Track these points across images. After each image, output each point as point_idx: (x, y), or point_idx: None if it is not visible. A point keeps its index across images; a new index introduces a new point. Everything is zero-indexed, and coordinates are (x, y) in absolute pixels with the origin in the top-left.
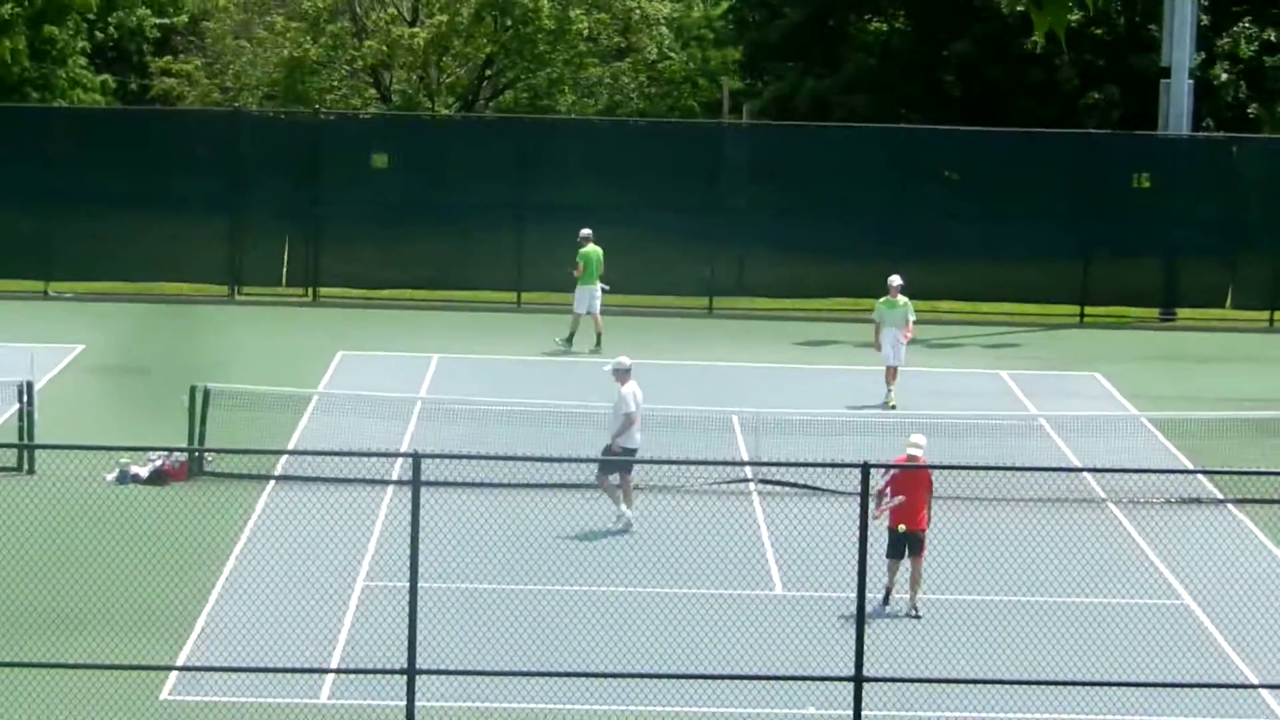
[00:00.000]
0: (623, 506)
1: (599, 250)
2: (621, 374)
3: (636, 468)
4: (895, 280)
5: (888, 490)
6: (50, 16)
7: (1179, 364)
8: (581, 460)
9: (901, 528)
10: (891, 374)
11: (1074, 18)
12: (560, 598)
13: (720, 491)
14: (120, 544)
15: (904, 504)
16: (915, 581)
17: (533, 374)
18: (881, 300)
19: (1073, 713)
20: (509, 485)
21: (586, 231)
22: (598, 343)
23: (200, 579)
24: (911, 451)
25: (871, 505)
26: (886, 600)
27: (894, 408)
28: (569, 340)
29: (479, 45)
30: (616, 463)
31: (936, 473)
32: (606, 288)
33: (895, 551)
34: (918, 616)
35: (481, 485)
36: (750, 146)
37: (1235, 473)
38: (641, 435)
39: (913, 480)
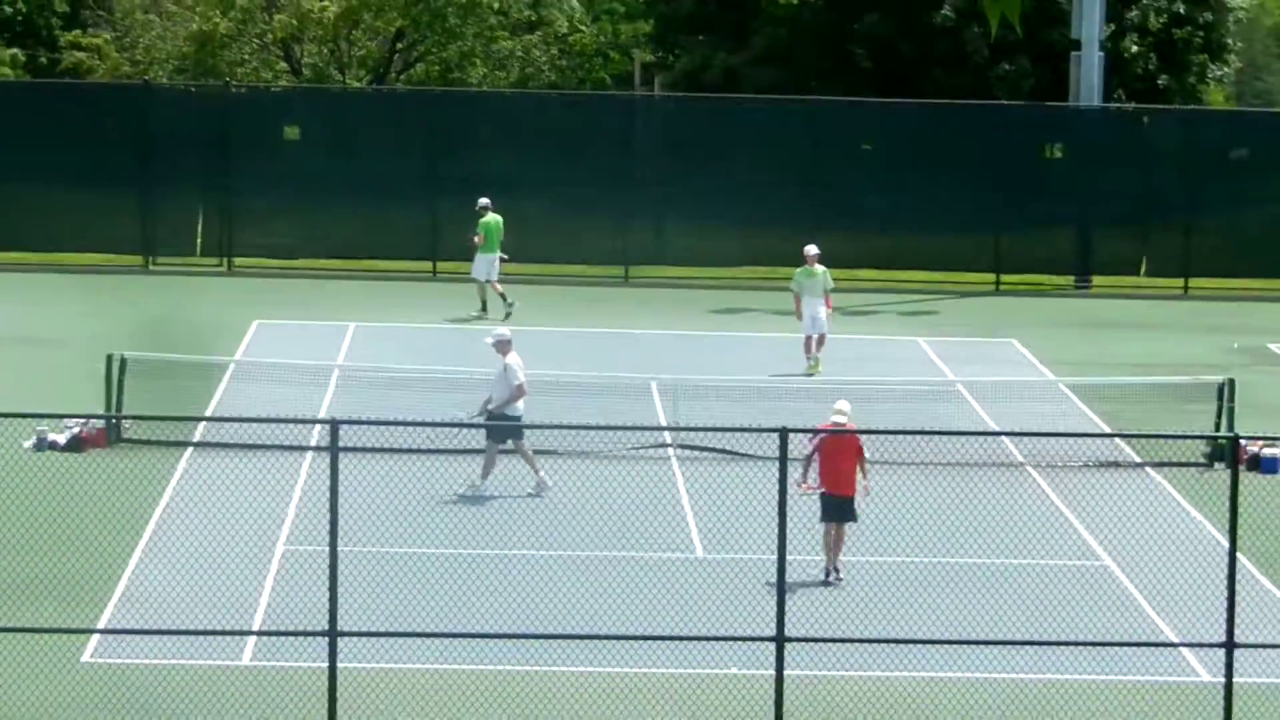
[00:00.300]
0: (539, 473)
1: (499, 219)
2: (503, 345)
3: (557, 434)
4: (811, 249)
5: (815, 455)
6: None
7: (1095, 330)
8: (495, 425)
9: (824, 491)
10: (809, 343)
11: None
12: (481, 561)
13: (640, 457)
14: (39, 510)
15: (832, 469)
16: (838, 543)
17: (448, 341)
18: (800, 270)
19: (995, 671)
20: (426, 451)
21: (485, 201)
22: (508, 308)
23: (120, 544)
24: (836, 419)
25: (797, 472)
26: (827, 577)
27: (817, 373)
28: (484, 309)
29: (389, 19)
30: (505, 430)
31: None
32: (505, 257)
33: (827, 514)
34: (838, 579)
35: (398, 451)
36: (664, 118)
37: (1151, 436)
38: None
39: (840, 446)
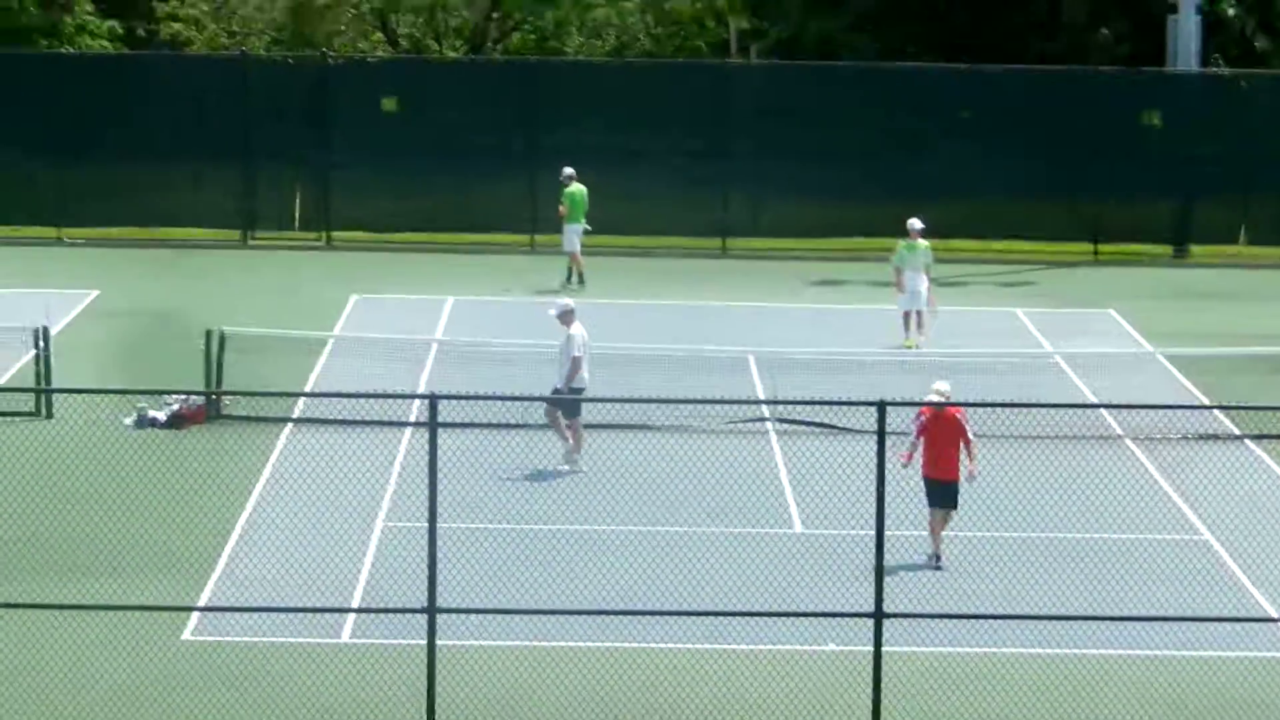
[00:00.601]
0: (572, 450)
1: (583, 189)
2: (566, 316)
3: (654, 408)
4: (915, 223)
5: (919, 440)
6: None
7: (1193, 301)
8: (598, 400)
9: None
10: (908, 318)
11: None
12: (579, 537)
13: (738, 431)
14: (139, 487)
15: (933, 452)
16: (940, 528)
17: (547, 315)
18: (902, 243)
19: (1093, 648)
20: (526, 426)
21: (569, 171)
22: (580, 280)
23: (220, 521)
24: (932, 398)
25: (902, 449)
26: (937, 563)
27: (915, 348)
28: (580, 280)
29: None
30: (570, 402)
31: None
32: (589, 228)
33: (933, 499)
34: (937, 564)
35: (498, 426)
36: (760, 86)
37: (1252, 408)
38: (589, 374)
39: (941, 429)
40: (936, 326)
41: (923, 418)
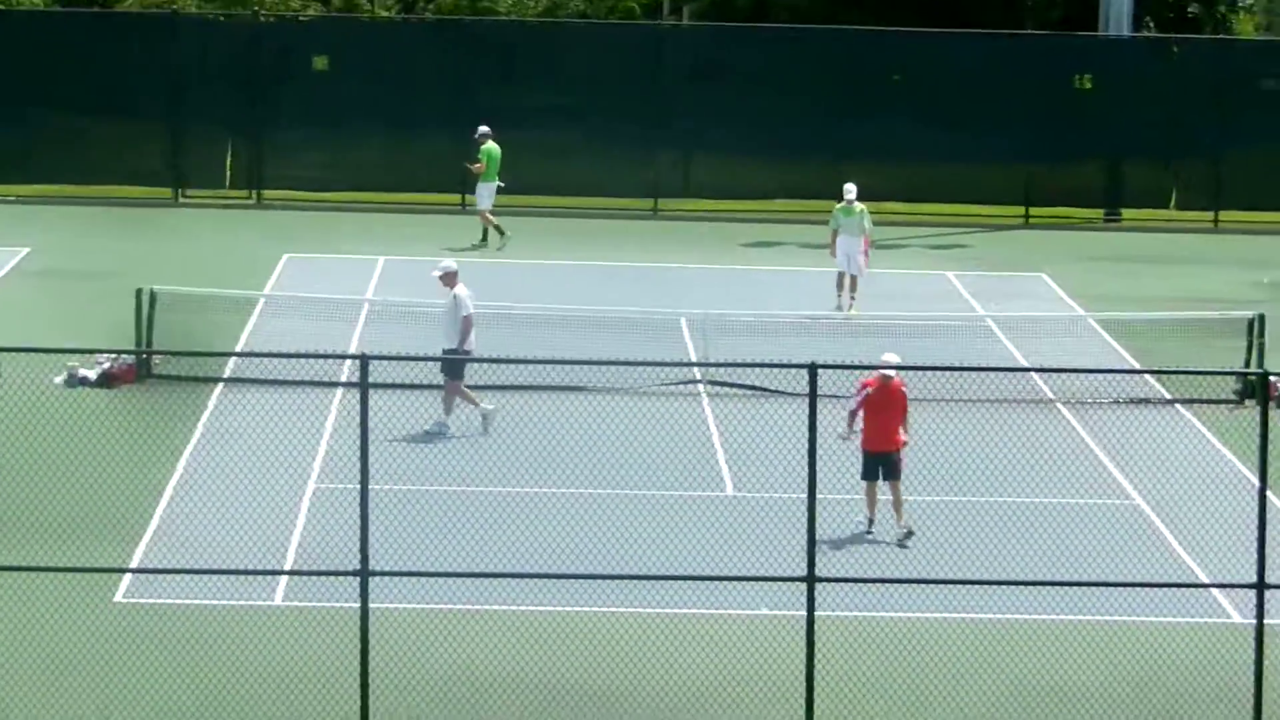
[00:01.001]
0: (478, 405)
1: (497, 147)
2: (449, 277)
3: (586, 370)
4: (850, 188)
5: (859, 410)
6: None
7: (1125, 265)
8: (528, 362)
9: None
10: (843, 281)
11: None
12: (511, 499)
13: (670, 393)
14: (70, 447)
15: (877, 424)
16: (898, 504)
17: (476, 275)
18: (838, 207)
19: (1024, 613)
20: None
21: (485, 129)
22: (496, 237)
23: (151, 481)
24: (886, 373)
25: (842, 425)
26: (870, 528)
27: (850, 316)
28: (497, 237)
29: None
30: (456, 364)
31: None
32: (502, 185)
33: (869, 473)
34: (909, 538)
35: (429, 387)
36: (693, 47)
37: (1182, 372)
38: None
39: (886, 401)
40: (869, 290)
41: (867, 390)
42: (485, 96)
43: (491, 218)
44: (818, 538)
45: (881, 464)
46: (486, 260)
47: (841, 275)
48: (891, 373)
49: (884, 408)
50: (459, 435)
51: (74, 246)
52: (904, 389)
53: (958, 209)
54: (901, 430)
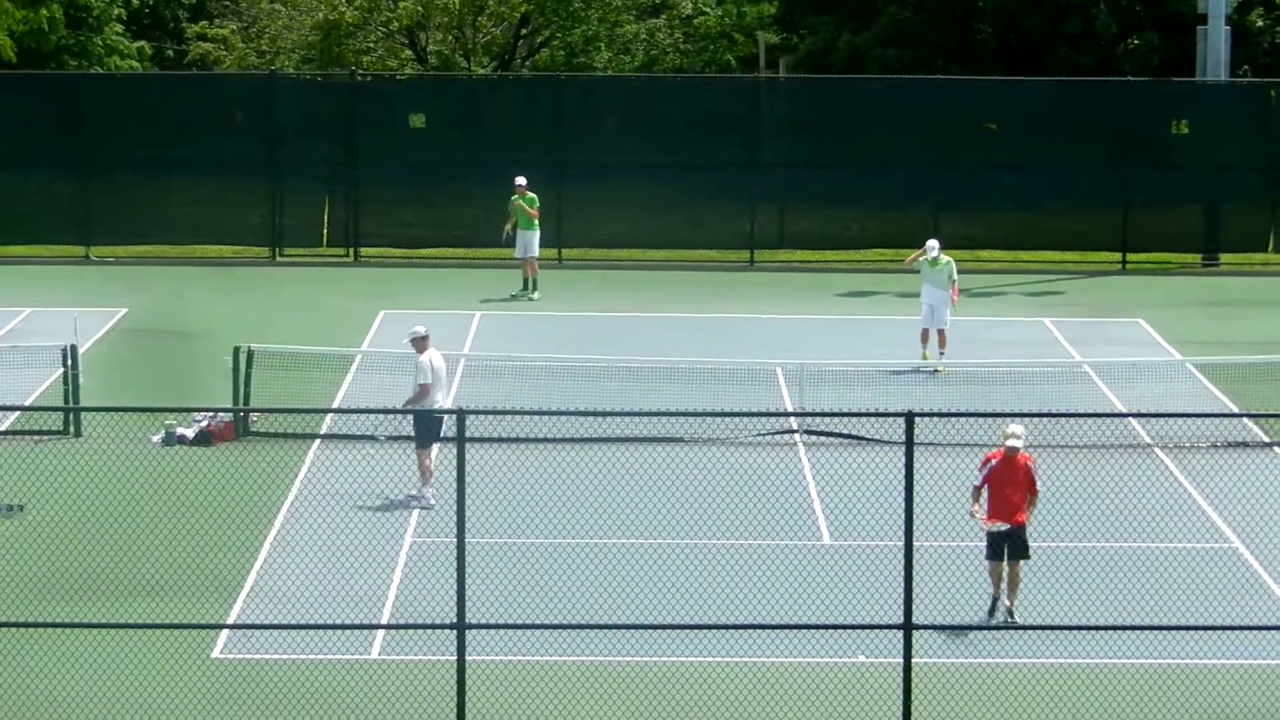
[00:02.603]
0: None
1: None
2: (419, 341)
3: (683, 421)
4: (933, 244)
5: (984, 486)
6: None
7: (1222, 309)
8: (626, 414)
9: (1000, 525)
10: (925, 335)
11: None
12: (608, 551)
13: (766, 443)
14: (168, 505)
15: (1001, 499)
16: (1014, 584)
17: (575, 329)
18: (924, 259)
19: (1122, 657)
20: (554, 440)
21: (522, 180)
22: (534, 287)
23: (248, 538)
24: (1011, 444)
25: (968, 501)
26: (993, 610)
27: (936, 371)
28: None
29: (514, 4)
30: (422, 430)
31: (984, 422)
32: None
33: (994, 552)
34: (1012, 619)
35: (527, 440)
36: (788, 100)
37: None
38: (443, 399)
39: (1010, 475)
40: (967, 337)
41: (991, 463)
42: (581, 152)
43: (533, 269)
44: (914, 585)
45: (1006, 541)
46: (588, 313)
47: (925, 330)
48: (1018, 444)
49: (1008, 482)
50: (567, 488)
51: (172, 306)
52: (1031, 464)
53: (1054, 255)
54: (1027, 508)
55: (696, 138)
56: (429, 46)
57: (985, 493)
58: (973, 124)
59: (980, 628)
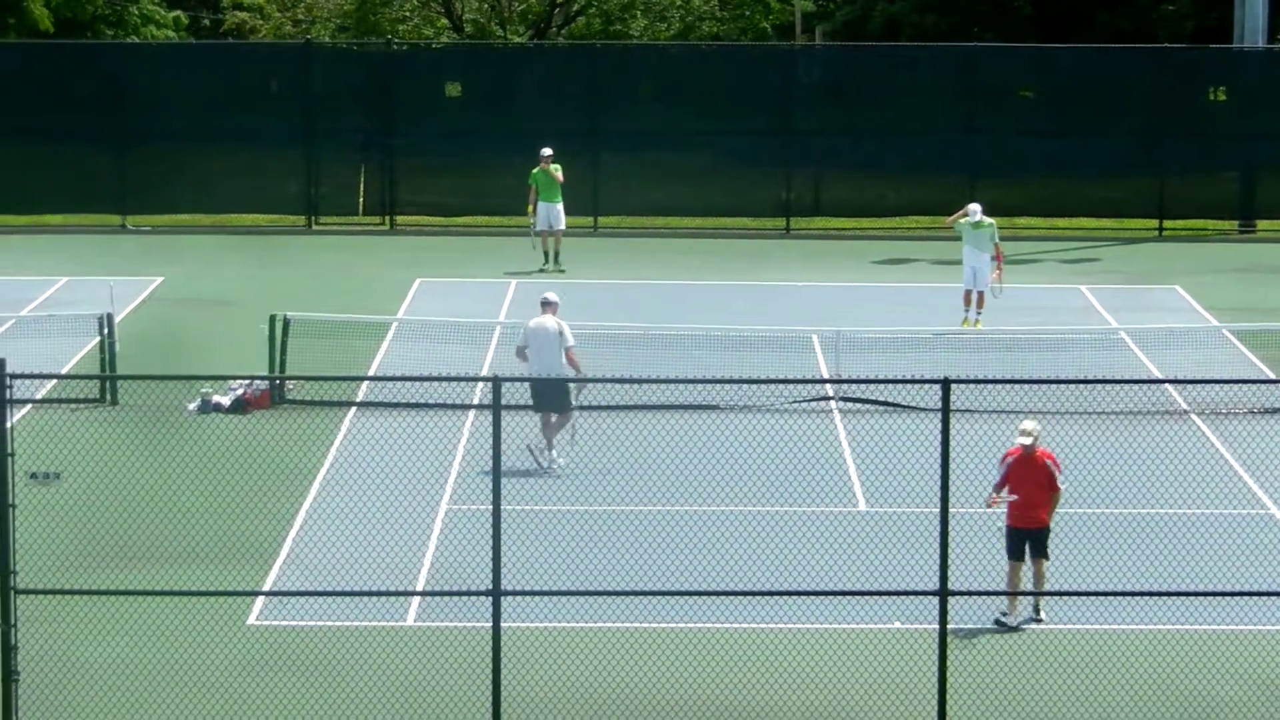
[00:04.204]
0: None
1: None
2: (542, 306)
3: (719, 388)
4: (975, 208)
5: (1005, 485)
6: None
7: (1259, 275)
8: (662, 381)
9: (1010, 497)
10: (969, 296)
11: None
12: (644, 517)
13: (802, 410)
14: (204, 472)
15: (1020, 497)
16: (1038, 582)
17: (610, 296)
18: (965, 221)
19: (1158, 623)
20: (589, 407)
21: (548, 151)
22: (557, 261)
23: (284, 505)
24: (1021, 441)
25: (989, 495)
26: (1004, 617)
27: (977, 327)
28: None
29: None
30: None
31: (1021, 389)
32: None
33: (1014, 551)
34: (1039, 619)
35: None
36: (824, 68)
37: None
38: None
39: (1028, 473)
40: (1004, 304)
41: (1009, 460)
42: (617, 120)
43: (549, 242)
44: (950, 551)
45: (1027, 540)
46: (623, 281)
47: (968, 291)
48: (1027, 441)
49: (1027, 480)
50: (602, 455)
51: (207, 275)
52: (1050, 460)
53: (1091, 223)
54: (1050, 507)
55: (732, 105)
56: (465, 15)
57: (1006, 491)
58: (1008, 91)
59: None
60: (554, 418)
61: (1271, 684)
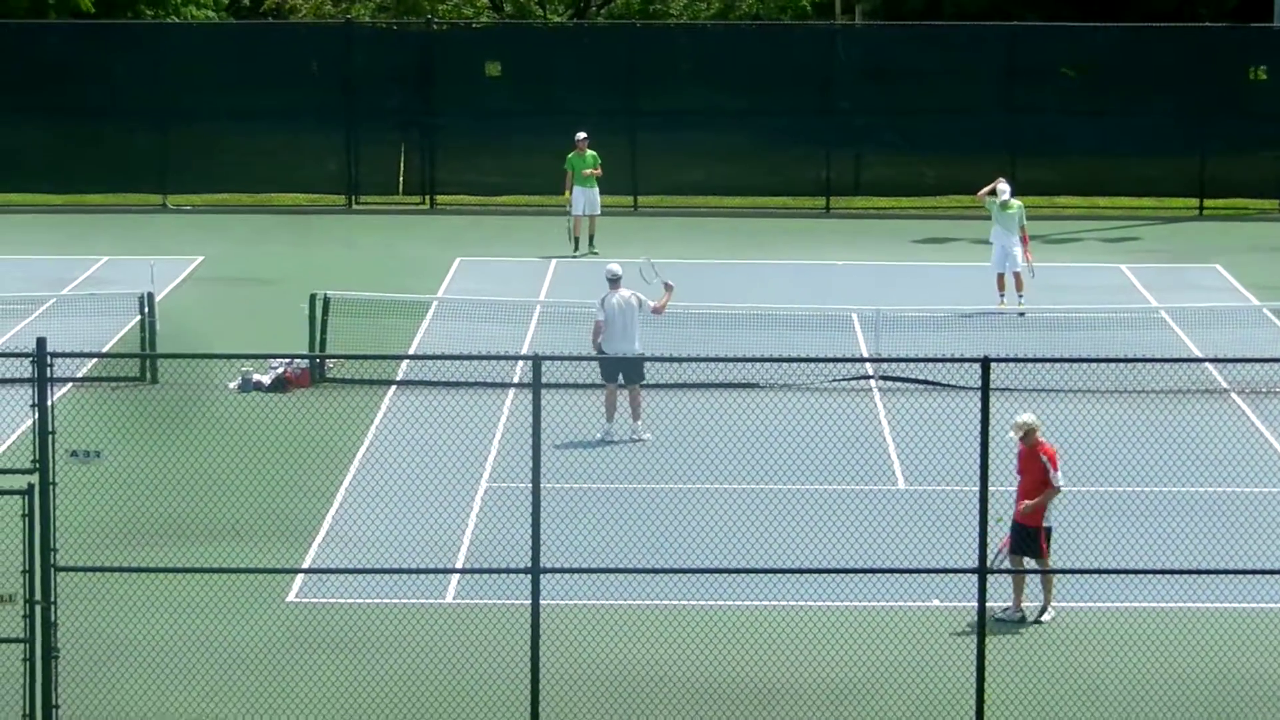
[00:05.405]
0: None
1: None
2: (610, 282)
3: (759, 366)
4: (1004, 186)
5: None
6: None
7: None
8: (701, 360)
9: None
10: (1001, 280)
11: None
12: (683, 495)
13: (842, 389)
14: (245, 450)
15: (1020, 493)
16: (1044, 584)
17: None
18: (996, 203)
19: (1200, 601)
20: (629, 386)
21: (583, 135)
22: (590, 244)
23: (325, 483)
24: (1012, 435)
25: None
26: (1013, 612)
27: (1021, 314)
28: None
29: None
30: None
31: (1060, 367)
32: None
33: (1014, 545)
34: (1039, 619)
35: (602, 386)
36: (864, 47)
37: None
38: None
39: (1027, 464)
40: (1043, 283)
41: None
42: (657, 99)
43: (580, 227)
44: (989, 530)
45: (1023, 538)
46: (663, 260)
47: (1000, 275)
48: (1022, 434)
49: (1025, 471)
50: (626, 437)
51: (248, 254)
52: (1046, 454)
53: (1131, 202)
54: (1041, 502)
55: (772, 85)
56: None
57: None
58: (1048, 70)
59: (1053, 571)
60: (626, 391)
61: None
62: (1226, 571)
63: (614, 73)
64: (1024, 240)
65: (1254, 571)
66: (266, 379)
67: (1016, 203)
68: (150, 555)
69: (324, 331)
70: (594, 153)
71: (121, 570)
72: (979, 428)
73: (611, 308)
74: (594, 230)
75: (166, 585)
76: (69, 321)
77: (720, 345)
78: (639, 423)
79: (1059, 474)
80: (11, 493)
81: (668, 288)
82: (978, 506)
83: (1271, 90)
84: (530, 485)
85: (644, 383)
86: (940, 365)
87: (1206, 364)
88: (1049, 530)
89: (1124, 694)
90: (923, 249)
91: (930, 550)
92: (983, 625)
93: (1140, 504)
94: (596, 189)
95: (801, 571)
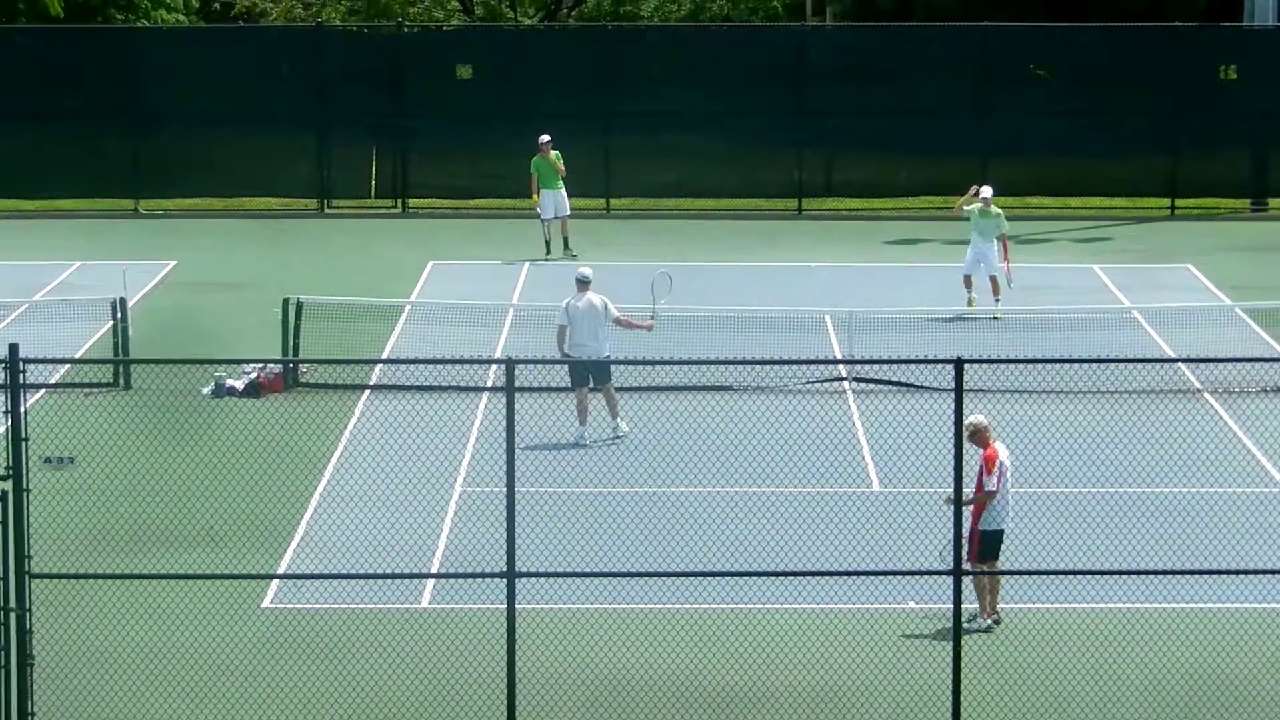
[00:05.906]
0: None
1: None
2: (577, 284)
3: (732, 369)
4: (986, 191)
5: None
6: None
7: (1271, 254)
8: (674, 362)
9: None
10: (969, 281)
11: None
12: (657, 498)
13: (815, 391)
14: (218, 456)
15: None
16: (977, 588)
17: (623, 279)
18: (974, 208)
19: (1170, 601)
20: (602, 387)
21: (546, 138)
22: (565, 246)
23: (299, 488)
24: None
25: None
26: (975, 620)
27: (996, 318)
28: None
29: None
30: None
31: (1033, 368)
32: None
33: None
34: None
35: (573, 390)
36: (835, 47)
37: None
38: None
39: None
40: (1016, 284)
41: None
42: (628, 101)
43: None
44: (963, 531)
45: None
46: (635, 263)
47: (968, 277)
48: (973, 432)
49: (978, 476)
50: (615, 437)
51: (220, 259)
52: (986, 459)
53: (1103, 202)
54: (971, 500)
55: (744, 86)
56: None
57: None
58: (1021, 69)
59: (1026, 572)
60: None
61: None
62: (1201, 572)
63: (585, 75)
64: (1004, 247)
65: (1228, 572)
66: (240, 384)
67: (996, 210)
68: (125, 562)
69: (297, 336)
70: (557, 150)
71: (96, 577)
72: (953, 429)
73: (576, 310)
74: (567, 232)
75: (142, 592)
76: (41, 327)
77: (693, 348)
78: (618, 420)
79: (993, 478)
80: None
81: (649, 319)
82: (952, 507)
83: (1242, 90)
84: (505, 489)
85: (617, 386)
86: (914, 366)
87: (1179, 364)
88: (997, 534)
89: (1099, 694)
90: (895, 250)
91: (905, 552)
92: (958, 627)
93: (1114, 504)
94: (564, 190)
95: (777, 574)
